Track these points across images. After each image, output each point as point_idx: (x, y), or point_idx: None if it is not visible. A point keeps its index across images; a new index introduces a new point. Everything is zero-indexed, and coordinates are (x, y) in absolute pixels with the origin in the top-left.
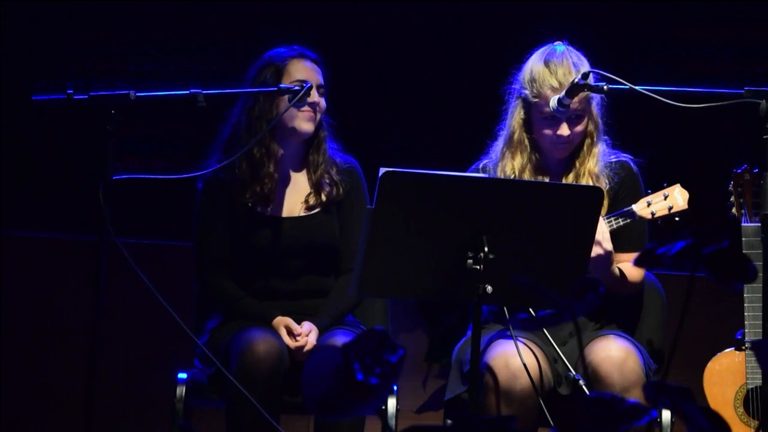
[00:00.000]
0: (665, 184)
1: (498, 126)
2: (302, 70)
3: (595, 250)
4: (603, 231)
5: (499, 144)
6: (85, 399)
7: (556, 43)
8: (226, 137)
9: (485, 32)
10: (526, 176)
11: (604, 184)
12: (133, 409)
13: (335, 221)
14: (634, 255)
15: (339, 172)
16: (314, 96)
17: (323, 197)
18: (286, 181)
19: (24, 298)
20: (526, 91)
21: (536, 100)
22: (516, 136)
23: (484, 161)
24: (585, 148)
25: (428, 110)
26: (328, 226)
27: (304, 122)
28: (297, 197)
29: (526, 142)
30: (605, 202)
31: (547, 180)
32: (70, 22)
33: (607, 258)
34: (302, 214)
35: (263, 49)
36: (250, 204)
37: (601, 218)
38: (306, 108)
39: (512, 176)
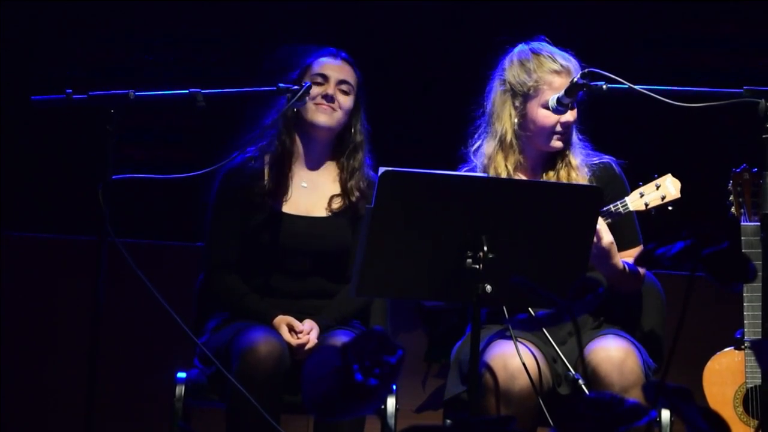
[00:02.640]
0: (656, 175)
1: (476, 132)
2: (324, 66)
3: (595, 244)
4: (601, 223)
5: (487, 148)
6: (85, 399)
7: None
8: (259, 127)
9: (486, 32)
10: (520, 176)
11: (586, 177)
12: (132, 409)
13: (350, 228)
14: (629, 250)
15: (368, 186)
16: (330, 89)
17: (348, 204)
18: (308, 181)
19: (24, 299)
20: (522, 87)
21: (536, 85)
22: (508, 137)
23: (465, 169)
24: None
25: (428, 110)
26: (343, 231)
27: (318, 114)
28: (318, 198)
29: (515, 143)
30: None
31: (524, 175)
32: (70, 21)
33: (608, 250)
34: (321, 215)
35: (263, 46)
36: (265, 198)
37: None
38: (320, 101)
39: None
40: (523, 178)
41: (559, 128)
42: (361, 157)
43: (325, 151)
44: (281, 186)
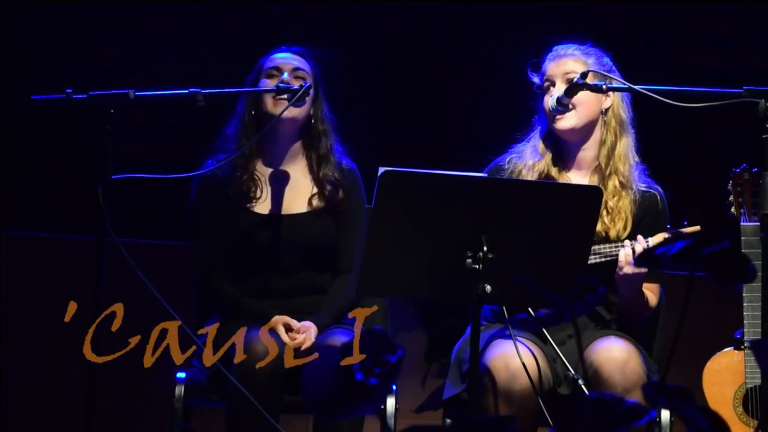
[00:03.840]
0: (686, 223)
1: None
2: (275, 60)
3: (630, 269)
4: (641, 248)
5: (530, 136)
6: (85, 399)
7: None
8: (222, 136)
9: (486, 32)
10: (551, 169)
11: (631, 196)
12: (133, 409)
13: (333, 221)
14: (647, 284)
15: (342, 174)
16: (286, 79)
17: (326, 196)
18: (282, 178)
19: (24, 298)
20: (538, 80)
21: (543, 76)
22: (542, 130)
23: (511, 156)
24: (601, 137)
25: (428, 109)
26: (327, 225)
27: (277, 107)
28: (296, 194)
29: (547, 145)
30: (629, 226)
31: (570, 177)
32: (69, 21)
33: (639, 279)
34: (299, 211)
35: (263, 46)
36: (240, 198)
37: (641, 238)
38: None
39: (535, 167)
40: (566, 178)
41: (552, 103)
42: (326, 144)
43: (290, 143)
44: (253, 186)
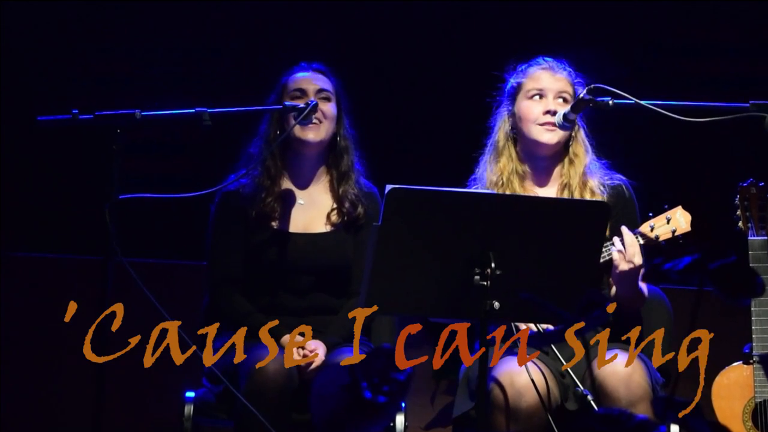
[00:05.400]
0: (666, 206)
1: (485, 141)
2: (298, 81)
3: (626, 265)
4: (633, 244)
5: (485, 157)
6: (93, 420)
7: None
8: (246, 154)
9: (496, 46)
10: (515, 183)
11: (605, 196)
12: (141, 428)
13: (351, 242)
14: None
15: (362, 194)
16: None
17: (345, 213)
18: (305, 197)
19: (30, 319)
20: (515, 82)
21: (524, 80)
22: (501, 143)
23: (473, 186)
24: (570, 155)
25: (435, 126)
26: (344, 246)
27: (305, 131)
28: (316, 214)
29: (511, 150)
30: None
31: (537, 191)
32: (74, 40)
33: (636, 273)
34: (319, 231)
35: (267, 60)
36: (263, 218)
37: (627, 230)
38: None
39: (499, 183)
40: (533, 193)
41: (542, 118)
42: (347, 162)
43: (317, 164)
44: (277, 206)
